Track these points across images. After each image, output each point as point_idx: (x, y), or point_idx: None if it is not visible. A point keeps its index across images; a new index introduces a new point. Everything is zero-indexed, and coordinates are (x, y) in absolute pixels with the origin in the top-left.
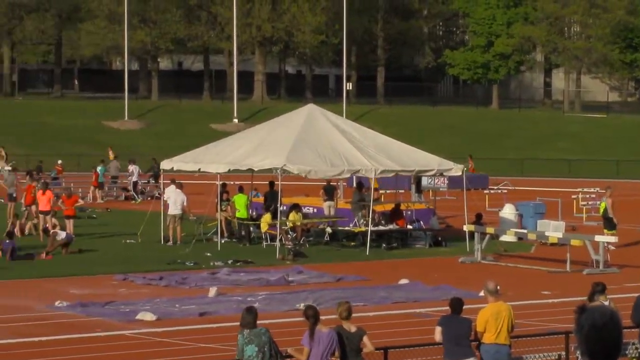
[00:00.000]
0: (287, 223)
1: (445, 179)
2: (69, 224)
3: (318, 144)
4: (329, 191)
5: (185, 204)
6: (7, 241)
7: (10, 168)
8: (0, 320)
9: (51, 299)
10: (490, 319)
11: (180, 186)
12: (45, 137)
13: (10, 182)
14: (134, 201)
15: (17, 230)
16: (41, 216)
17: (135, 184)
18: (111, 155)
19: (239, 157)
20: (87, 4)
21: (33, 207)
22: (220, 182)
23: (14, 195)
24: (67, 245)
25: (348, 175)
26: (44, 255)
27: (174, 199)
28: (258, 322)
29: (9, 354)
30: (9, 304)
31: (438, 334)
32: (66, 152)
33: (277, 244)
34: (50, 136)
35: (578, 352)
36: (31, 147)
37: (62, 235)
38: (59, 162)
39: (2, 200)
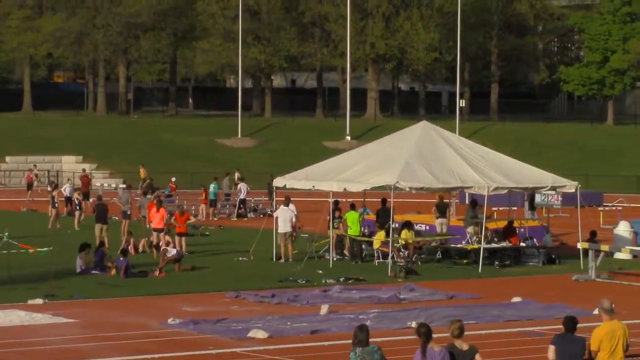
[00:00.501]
0: (399, 240)
1: (559, 195)
2: (181, 241)
3: (431, 161)
4: (442, 208)
5: (294, 220)
6: (121, 258)
7: (124, 186)
8: (115, 337)
9: (164, 316)
10: (605, 338)
11: (288, 202)
12: (160, 154)
13: (124, 199)
14: (244, 218)
15: (131, 247)
16: (154, 233)
17: (242, 201)
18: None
19: (351, 175)
20: (202, 23)
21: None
22: (333, 200)
23: (129, 212)
24: (178, 261)
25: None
26: (157, 272)
27: (282, 217)
28: (370, 340)
29: None
30: (124, 321)
31: (551, 353)
32: (180, 169)
33: (389, 261)
34: (165, 153)
35: None
36: (146, 165)
37: (172, 252)
38: (173, 179)
39: (117, 218)
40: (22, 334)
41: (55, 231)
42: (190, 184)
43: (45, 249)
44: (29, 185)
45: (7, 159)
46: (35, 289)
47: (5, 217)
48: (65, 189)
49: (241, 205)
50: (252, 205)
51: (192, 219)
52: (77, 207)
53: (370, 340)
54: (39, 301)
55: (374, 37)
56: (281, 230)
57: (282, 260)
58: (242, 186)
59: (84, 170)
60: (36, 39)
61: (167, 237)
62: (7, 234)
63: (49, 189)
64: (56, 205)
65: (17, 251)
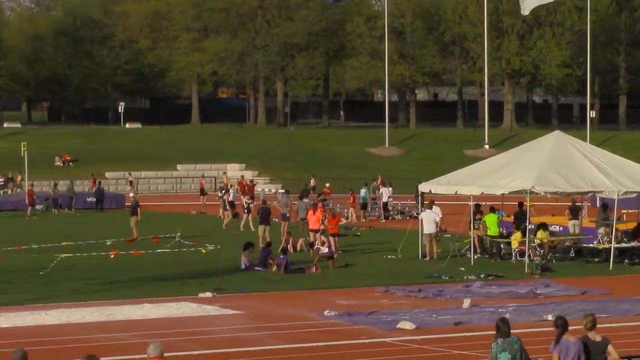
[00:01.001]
0: (535, 240)
1: None
2: (333, 241)
3: (564, 167)
4: (574, 211)
5: (438, 221)
6: (282, 256)
7: (284, 191)
8: (276, 328)
9: (321, 309)
10: None
11: (432, 205)
12: (315, 162)
13: (284, 203)
14: (384, 220)
15: (290, 246)
16: (311, 234)
17: (385, 204)
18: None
19: (490, 180)
20: (352, 43)
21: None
22: (474, 203)
23: (288, 215)
24: (331, 259)
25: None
26: (313, 269)
27: (427, 219)
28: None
29: (285, 357)
30: (284, 313)
31: None
32: (333, 175)
33: (526, 259)
34: (319, 162)
35: None
36: (302, 172)
37: (324, 250)
38: (327, 185)
39: (277, 220)
40: (194, 324)
41: (225, 231)
42: (342, 189)
43: (212, 247)
44: (202, 191)
45: (178, 167)
46: (205, 283)
47: (177, 219)
48: (230, 194)
49: (382, 208)
50: (399, 208)
51: (343, 221)
52: (246, 211)
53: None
54: (209, 294)
55: (509, 54)
56: (426, 231)
57: (427, 258)
58: (385, 190)
59: (242, 177)
60: (202, 58)
61: (322, 237)
62: (179, 234)
63: (219, 194)
64: (227, 208)
65: (188, 250)
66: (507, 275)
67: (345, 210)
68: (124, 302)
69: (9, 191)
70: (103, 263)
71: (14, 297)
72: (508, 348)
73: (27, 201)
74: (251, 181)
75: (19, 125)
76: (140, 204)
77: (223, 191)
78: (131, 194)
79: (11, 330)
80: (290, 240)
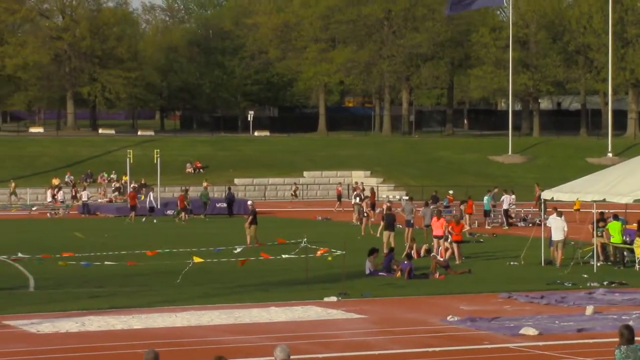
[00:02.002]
0: None
1: None
2: (457, 248)
3: None
4: None
5: (565, 229)
6: (406, 262)
7: (407, 197)
8: (400, 332)
9: (444, 314)
10: None
11: (560, 214)
12: (438, 169)
13: (408, 210)
14: (507, 227)
15: (414, 252)
16: (435, 240)
17: (506, 211)
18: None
19: (613, 188)
20: (476, 52)
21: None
22: (599, 211)
23: (412, 221)
24: (447, 267)
25: None
26: (437, 274)
27: (555, 226)
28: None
29: None
30: (408, 318)
31: None
32: (456, 183)
33: None
34: (443, 169)
35: None
36: (426, 179)
37: (440, 258)
38: (450, 192)
39: (400, 226)
40: (319, 328)
41: (362, 237)
42: (465, 196)
43: (337, 252)
44: (339, 197)
45: (305, 173)
46: (330, 288)
47: (303, 225)
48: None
49: (508, 215)
50: (522, 215)
51: (467, 228)
52: (364, 215)
53: (635, 339)
54: (333, 299)
55: (633, 64)
56: (555, 237)
57: (558, 265)
58: (506, 198)
59: (356, 183)
60: (330, 68)
61: (446, 244)
62: (305, 240)
63: (356, 200)
64: (365, 214)
65: (314, 255)
66: (631, 282)
67: (469, 218)
68: (252, 305)
69: (142, 197)
70: (231, 267)
71: (145, 300)
72: (632, 355)
73: (179, 206)
74: (362, 184)
75: (152, 133)
76: (268, 210)
77: (358, 198)
78: (249, 202)
79: (143, 331)
80: (414, 246)
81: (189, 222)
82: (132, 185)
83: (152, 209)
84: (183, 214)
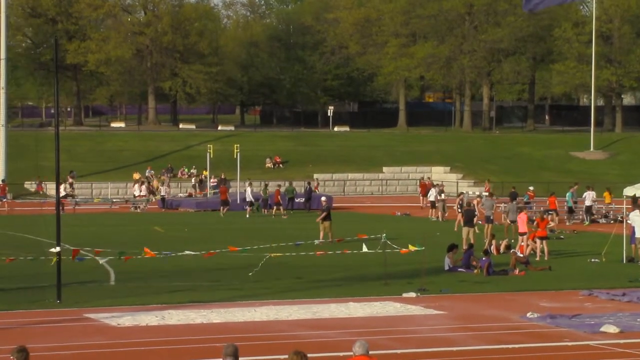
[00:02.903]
0: None
1: None
2: (542, 244)
3: None
4: None
5: None
6: (484, 258)
7: (487, 194)
8: (479, 329)
9: (523, 311)
10: None
11: None
12: (519, 165)
13: (488, 205)
14: (586, 223)
15: (493, 248)
16: (520, 237)
17: (589, 208)
18: None
19: None
20: (559, 47)
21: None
22: None
23: (491, 217)
24: (526, 264)
25: None
26: (517, 271)
27: (637, 223)
28: None
29: (487, 358)
30: (487, 314)
31: None
32: (537, 179)
33: None
34: (523, 165)
35: None
36: (507, 175)
37: (520, 254)
38: (531, 188)
39: (481, 222)
40: (398, 323)
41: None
42: (545, 193)
43: (417, 247)
44: (426, 192)
45: (384, 169)
46: (409, 283)
47: (382, 221)
48: (430, 195)
49: (590, 212)
50: (603, 212)
51: (552, 224)
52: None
53: None
54: (412, 294)
55: None
56: (638, 234)
57: None
58: (588, 194)
59: (422, 177)
60: (410, 63)
61: (529, 241)
62: (384, 235)
63: (441, 197)
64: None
65: (392, 250)
66: None
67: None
68: (330, 300)
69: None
70: (310, 262)
71: (225, 294)
72: None
73: (275, 200)
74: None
75: (232, 128)
76: (347, 205)
77: (442, 194)
78: (323, 198)
79: (222, 325)
80: (494, 242)
81: (269, 217)
82: (211, 180)
83: (250, 203)
84: (275, 208)
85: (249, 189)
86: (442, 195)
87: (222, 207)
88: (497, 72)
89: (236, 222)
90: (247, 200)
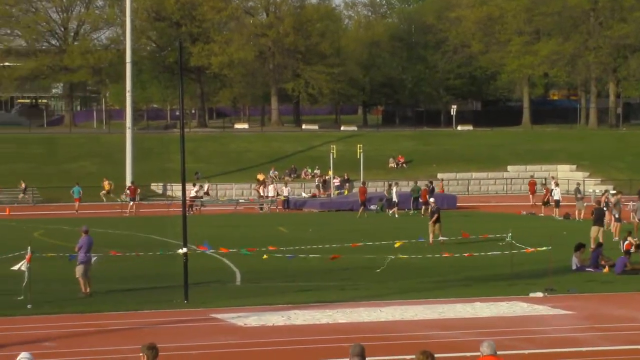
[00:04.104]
0: None
1: None
2: None
3: None
4: None
5: None
6: (621, 257)
7: (615, 192)
8: (608, 329)
9: None
10: None
11: None
12: None
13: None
14: None
15: (623, 247)
16: None
17: None
18: None
19: None
20: None
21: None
22: None
23: (617, 216)
24: None
25: None
26: None
27: None
28: None
29: (617, 359)
30: (616, 314)
31: None
32: None
33: None
34: None
35: None
36: (634, 173)
37: None
38: None
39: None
40: (525, 323)
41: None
42: None
43: (544, 248)
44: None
45: (508, 167)
46: (535, 283)
47: (507, 220)
48: (554, 194)
49: None
50: None
51: None
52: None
53: None
54: (539, 294)
55: None
56: None
57: None
58: None
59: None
60: (534, 61)
61: None
62: (510, 235)
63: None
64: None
65: (518, 251)
66: None
67: None
68: (455, 300)
69: (345, 192)
70: (435, 262)
71: (350, 294)
72: None
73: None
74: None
75: (355, 128)
76: (472, 204)
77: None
78: (432, 200)
79: (348, 325)
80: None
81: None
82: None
83: (392, 203)
84: (423, 208)
85: (394, 189)
86: (555, 193)
87: (361, 208)
88: (624, 68)
89: (361, 222)
90: (393, 200)
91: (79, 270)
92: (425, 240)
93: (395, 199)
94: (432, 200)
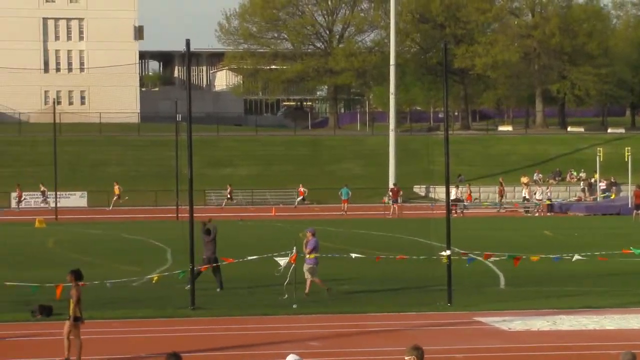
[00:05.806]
0: None
1: None
2: None
3: None
4: None
5: None
6: None
7: None
8: None
9: None
10: None
11: None
12: None
13: None
14: None
15: None
16: None
17: None
18: None
19: None
20: None
21: None
22: None
23: None
24: None
25: None
26: None
27: None
28: None
29: None
30: None
31: None
32: None
33: None
34: None
35: None
36: None
37: None
38: None
39: None
40: None
41: None
42: None
43: None
44: None
45: None
46: None
47: None
48: None
49: None
50: None
51: None
52: None
53: None
54: None
55: None
56: None
57: None
58: None
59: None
60: None
61: None
62: None
63: None
64: None
65: None
66: None
67: None
68: None
69: (612, 195)
70: None
71: (618, 300)
72: None
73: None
74: None
75: (622, 130)
76: None
77: None
78: None
79: (616, 332)
80: None
81: None
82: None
83: None
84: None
85: None
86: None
87: (634, 212)
88: None
89: (625, 227)
90: None
91: (308, 270)
92: None
93: None
94: None
